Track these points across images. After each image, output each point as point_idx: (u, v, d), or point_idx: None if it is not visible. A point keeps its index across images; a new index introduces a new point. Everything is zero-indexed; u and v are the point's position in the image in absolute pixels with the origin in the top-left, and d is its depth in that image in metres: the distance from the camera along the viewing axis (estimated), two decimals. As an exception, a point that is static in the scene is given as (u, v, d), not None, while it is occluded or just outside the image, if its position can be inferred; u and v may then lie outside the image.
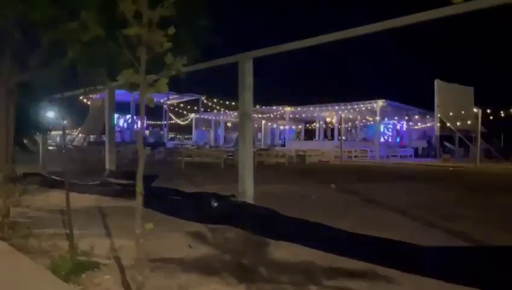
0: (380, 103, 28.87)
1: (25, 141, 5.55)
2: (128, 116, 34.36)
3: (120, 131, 31.66)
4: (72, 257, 3.57)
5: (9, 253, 3.74)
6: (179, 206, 6.42)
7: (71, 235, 3.73)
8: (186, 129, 42.91)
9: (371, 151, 27.25)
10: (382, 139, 31.44)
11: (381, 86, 55.32)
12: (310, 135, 41.41)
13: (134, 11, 2.52)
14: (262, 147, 28.99)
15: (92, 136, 31.94)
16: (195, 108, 38.55)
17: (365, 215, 6.46)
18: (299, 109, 33.53)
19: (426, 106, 30.91)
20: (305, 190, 9.83)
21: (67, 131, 35.43)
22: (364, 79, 63.83)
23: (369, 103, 29.73)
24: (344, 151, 24.40)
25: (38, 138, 8.74)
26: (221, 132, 41.10)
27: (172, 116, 39.38)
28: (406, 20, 4.59)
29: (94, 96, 28.83)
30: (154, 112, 39.97)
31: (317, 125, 37.00)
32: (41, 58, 3.88)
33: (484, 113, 21.99)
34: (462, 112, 23.41)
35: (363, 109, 31.33)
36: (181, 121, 41.15)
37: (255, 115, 38.51)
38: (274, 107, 33.36)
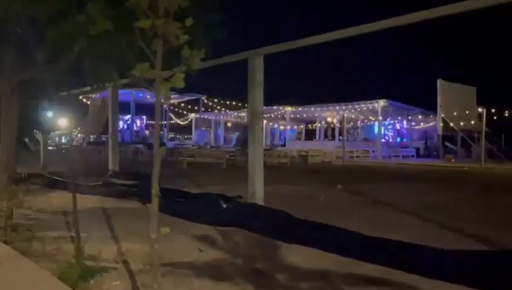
0: (381, 102, 28.75)
1: (27, 141, 5.37)
2: (127, 116, 34.17)
3: (120, 131, 31.47)
4: (79, 262, 3.41)
5: (13, 257, 3.57)
6: (185, 207, 6.26)
7: (78, 239, 3.56)
8: (186, 129, 42.73)
9: (373, 151, 27.11)
10: (383, 140, 31.31)
11: (381, 86, 55.17)
12: (310, 135, 41.27)
13: (149, 1, 2.36)
14: (264, 147, 28.80)
15: (91, 136, 31.75)
16: (196, 108, 38.36)
17: (376, 217, 6.31)
18: (299, 108, 33.38)
19: (427, 106, 30.85)
20: (311, 190, 9.68)
21: (66, 131, 35.28)
22: (364, 79, 63.77)
23: (370, 103, 29.60)
24: (346, 152, 24.27)
25: (39, 137, 8.57)
26: (221, 132, 40.95)
27: (173, 116, 39.19)
28: (423, 15, 4.47)
29: (94, 95, 28.67)
30: (154, 112, 39.78)
31: (318, 125, 36.86)
32: (46, 54, 3.71)
33: (487, 112, 21.86)
34: (467, 112, 23.29)
35: (364, 108, 31.19)
36: (181, 121, 40.98)
37: (255, 115, 38.37)
38: (275, 107, 33.19)
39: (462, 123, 23.44)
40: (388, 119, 33.45)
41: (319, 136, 36.57)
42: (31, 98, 5.13)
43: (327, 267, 3.69)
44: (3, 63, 4.04)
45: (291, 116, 35.11)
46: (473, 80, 26.05)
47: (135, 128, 34.85)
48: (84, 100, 31.19)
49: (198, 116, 38.51)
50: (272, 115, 35.67)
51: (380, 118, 28.80)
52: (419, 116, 32.41)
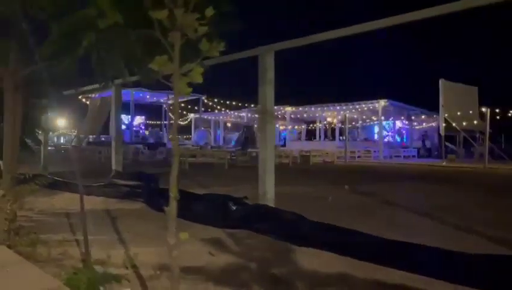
0: (382, 102, 28.64)
1: (28, 141, 5.19)
2: (127, 116, 33.92)
3: (120, 131, 31.18)
4: (88, 268, 3.24)
5: (17, 263, 3.38)
6: (192, 209, 6.08)
7: (86, 244, 3.39)
8: (185, 129, 42.50)
9: (374, 151, 26.98)
10: (385, 140, 31.20)
11: (382, 86, 55.03)
12: (310, 135, 41.13)
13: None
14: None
15: (90, 136, 31.50)
16: (196, 108, 38.14)
17: (390, 219, 6.15)
18: (300, 108, 33.23)
19: (428, 106, 30.74)
20: (318, 191, 9.52)
21: (64, 131, 35.05)
22: (365, 79, 63.71)
23: (371, 103, 29.48)
24: (347, 152, 24.15)
25: (41, 137, 8.39)
26: (220, 132, 40.73)
27: (172, 116, 38.96)
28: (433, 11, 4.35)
29: (93, 95, 28.44)
30: (154, 112, 39.62)
31: (319, 125, 36.74)
32: (52, 48, 3.54)
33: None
34: (470, 112, 23.15)
35: (365, 109, 31.07)
36: (180, 121, 40.74)
37: (256, 115, 38.24)
38: (275, 107, 32.96)
39: (464, 123, 23.29)
40: (390, 119, 33.33)
41: (319, 136, 36.43)
42: (34, 97, 4.93)
43: (346, 271, 3.54)
44: (7, 59, 3.85)
45: (292, 116, 34.97)
46: (473, 80, 25.93)
47: (135, 128, 34.61)
48: (83, 100, 30.94)
49: (197, 116, 38.28)
50: (273, 115, 35.45)
51: (382, 118, 28.67)
52: (423, 116, 32.30)
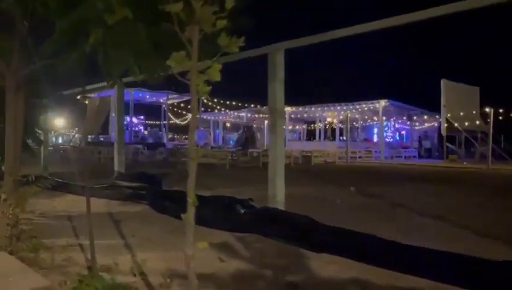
0: (383, 103, 28.53)
1: (29, 142, 5.01)
2: (126, 116, 33.72)
3: (119, 131, 30.97)
4: (94, 276, 3.07)
5: (20, 270, 3.20)
6: (197, 211, 5.92)
7: (92, 250, 3.22)
8: (183, 129, 42.28)
9: (375, 152, 26.85)
10: (386, 140, 31.08)
11: (382, 86, 54.89)
12: (309, 135, 40.98)
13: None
14: (265, 147, 28.46)
15: (89, 136, 31.27)
16: (196, 107, 37.92)
17: (404, 222, 5.97)
18: (300, 109, 33.08)
19: (428, 106, 30.63)
20: (324, 192, 9.36)
21: (63, 131, 34.77)
22: (365, 79, 63.57)
23: (371, 103, 29.37)
24: (349, 152, 24.00)
25: (42, 138, 8.21)
26: (219, 132, 40.53)
27: (172, 117, 38.75)
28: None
29: (92, 95, 28.21)
30: (153, 112, 39.38)
31: (320, 125, 36.61)
32: (56, 45, 3.36)
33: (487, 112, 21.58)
34: (474, 112, 23.02)
35: (366, 109, 30.96)
36: (179, 121, 40.54)
37: (255, 115, 38.08)
38: (275, 107, 32.86)
39: (466, 123, 23.16)
40: (391, 119, 33.22)
41: (319, 137, 36.30)
42: (35, 96, 4.76)
43: (367, 279, 3.37)
44: (9, 57, 3.68)
45: (292, 116, 34.82)
46: (472, 79, 25.79)
47: (135, 128, 34.40)
48: (82, 100, 30.71)
49: (198, 116, 38.08)
50: (273, 115, 35.31)
51: (384, 118, 28.54)
52: (425, 116, 32.20)
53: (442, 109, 22.51)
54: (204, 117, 39.01)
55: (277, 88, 5.02)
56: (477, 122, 23.38)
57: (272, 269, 3.63)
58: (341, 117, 33.07)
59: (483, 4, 4.28)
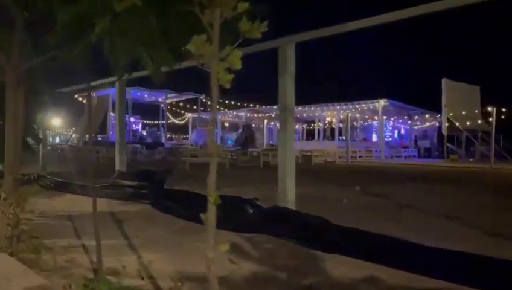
0: (382, 102, 28.47)
1: (28, 140, 4.84)
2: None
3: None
4: (100, 279, 2.90)
5: (21, 273, 3.03)
6: (201, 211, 5.76)
7: (99, 251, 3.05)
8: (181, 129, 42.10)
9: (376, 151, 26.76)
10: (386, 139, 30.99)
11: (382, 86, 54.79)
12: (308, 135, 40.87)
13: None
14: (265, 147, 28.33)
15: (87, 135, 31.04)
16: (195, 107, 37.74)
17: (409, 222, 5.84)
18: (299, 108, 32.92)
19: (428, 105, 30.56)
20: (328, 192, 9.21)
21: (60, 130, 34.51)
22: (365, 78, 63.50)
23: (371, 103, 29.30)
24: (349, 152, 23.89)
25: (42, 136, 8.03)
26: (218, 131, 40.35)
27: (170, 116, 38.56)
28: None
29: (91, 94, 27.98)
30: (151, 111, 39.16)
31: (319, 125, 36.50)
32: (60, 37, 3.19)
33: (487, 112, 21.49)
34: (476, 111, 22.93)
35: (365, 108, 30.87)
36: (178, 120, 40.36)
37: (255, 115, 37.94)
38: (275, 107, 32.72)
39: (468, 123, 23.09)
40: (391, 119, 33.15)
41: (319, 136, 36.19)
42: (33, 94, 4.58)
43: (384, 280, 3.22)
44: (9, 50, 3.51)
45: (291, 115, 34.66)
46: (472, 79, 25.72)
47: (133, 127, 34.18)
48: (80, 99, 30.50)
49: (196, 115, 37.89)
50: (273, 115, 35.22)
51: (384, 117, 28.46)
52: (424, 116, 32.13)
53: (443, 108, 22.42)
54: (203, 116, 38.85)
55: (288, 82, 4.86)
56: (479, 121, 23.30)
57: (285, 271, 3.47)
58: (341, 117, 32.95)
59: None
